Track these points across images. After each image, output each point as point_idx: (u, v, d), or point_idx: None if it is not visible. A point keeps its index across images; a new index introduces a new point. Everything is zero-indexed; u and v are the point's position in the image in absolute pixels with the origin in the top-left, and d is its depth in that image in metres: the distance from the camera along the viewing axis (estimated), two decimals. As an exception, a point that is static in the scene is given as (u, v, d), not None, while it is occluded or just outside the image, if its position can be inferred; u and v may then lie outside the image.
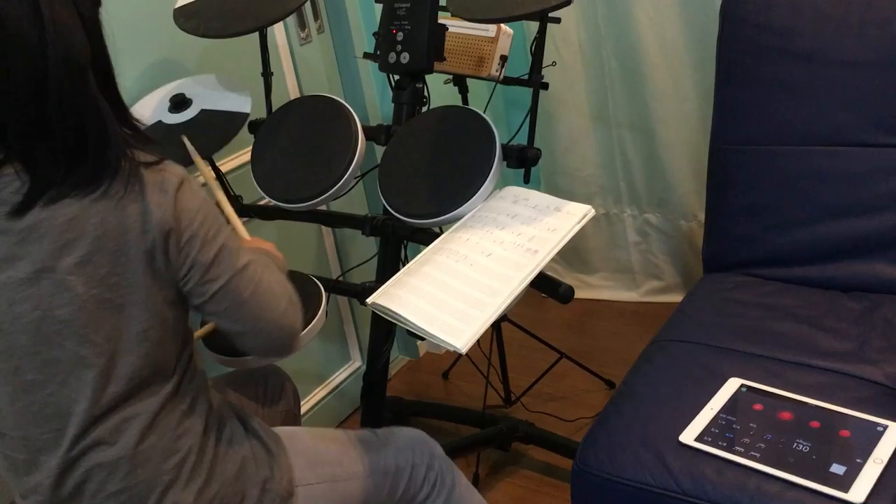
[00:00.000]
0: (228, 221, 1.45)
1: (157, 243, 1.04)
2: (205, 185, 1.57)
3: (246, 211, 1.71)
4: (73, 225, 1.00)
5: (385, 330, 1.76)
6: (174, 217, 1.05)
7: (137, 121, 1.11)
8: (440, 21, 1.60)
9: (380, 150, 1.61)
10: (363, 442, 1.36)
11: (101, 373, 1.05)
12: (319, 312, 1.50)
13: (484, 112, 1.47)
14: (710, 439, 1.26)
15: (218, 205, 1.49)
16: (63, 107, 0.98)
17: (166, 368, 1.11)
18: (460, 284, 1.22)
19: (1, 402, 1.08)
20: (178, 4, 1.65)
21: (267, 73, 1.70)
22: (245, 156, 1.80)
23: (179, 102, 1.63)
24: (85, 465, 1.08)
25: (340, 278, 2.16)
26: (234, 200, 1.70)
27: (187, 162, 1.58)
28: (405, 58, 1.59)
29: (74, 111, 0.99)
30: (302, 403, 2.21)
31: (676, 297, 2.47)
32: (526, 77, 1.49)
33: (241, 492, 1.15)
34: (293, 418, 1.55)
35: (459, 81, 1.91)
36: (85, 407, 1.05)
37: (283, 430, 1.31)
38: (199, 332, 1.42)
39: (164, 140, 1.59)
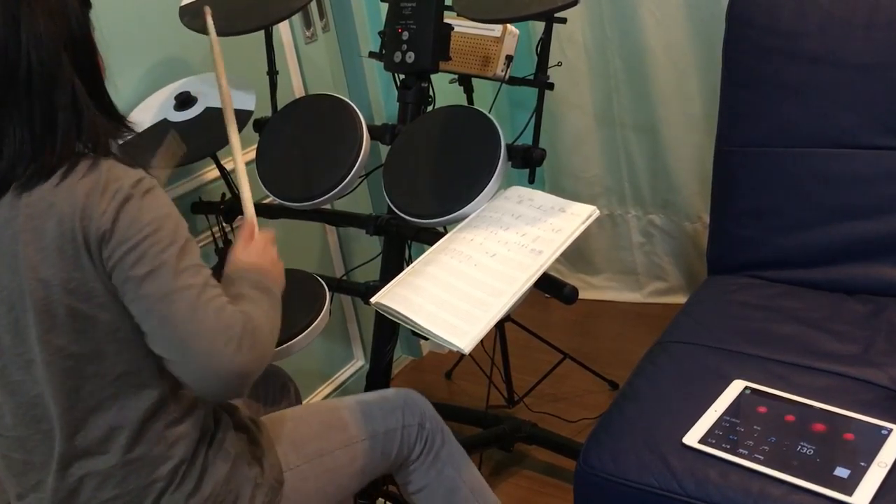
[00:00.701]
0: (244, 209, 1.34)
1: (94, 248, 0.99)
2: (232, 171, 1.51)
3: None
4: (34, 223, 0.99)
5: (388, 329, 1.76)
6: (115, 226, 0.99)
7: (124, 118, 1.10)
8: (446, 21, 1.60)
9: (384, 150, 1.61)
10: (348, 409, 1.35)
11: (73, 373, 1.03)
12: (323, 311, 1.50)
13: (489, 112, 1.47)
14: (713, 441, 1.26)
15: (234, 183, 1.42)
16: (33, 85, 0.98)
17: (146, 369, 1.07)
18: (464, 285, 1.22)
19: (0, 402, 1.08)
20: (184, 2, 1.65)
21: (272, 72, 1.70)
22: (250, 154, 1.79)
23: (185, 100, 1.63)
24: (77, 471, 1.07)
25: (344, 277, 2.16)
26: (238, 199, 1.70)
27: (203, 154, 1.57)
28: (410, 57, 1.59)
29: (45, 91, 0.99)
30: (305, 402, 2.22)
31: (680, 299, 2.47)
32: (531, 77, 1.49)
33: (234, 490, 1.15)
34: None
35: (465, 81, 1.91)
36: (65, 407, 1.04)
37: (266, 418, 1.30)
38: None
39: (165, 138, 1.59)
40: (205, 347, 1.00)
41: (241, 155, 1.36)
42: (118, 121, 1.10)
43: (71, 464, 1.07)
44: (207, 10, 1.47)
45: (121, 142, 1.09)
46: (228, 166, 1.78)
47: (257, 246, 1.23)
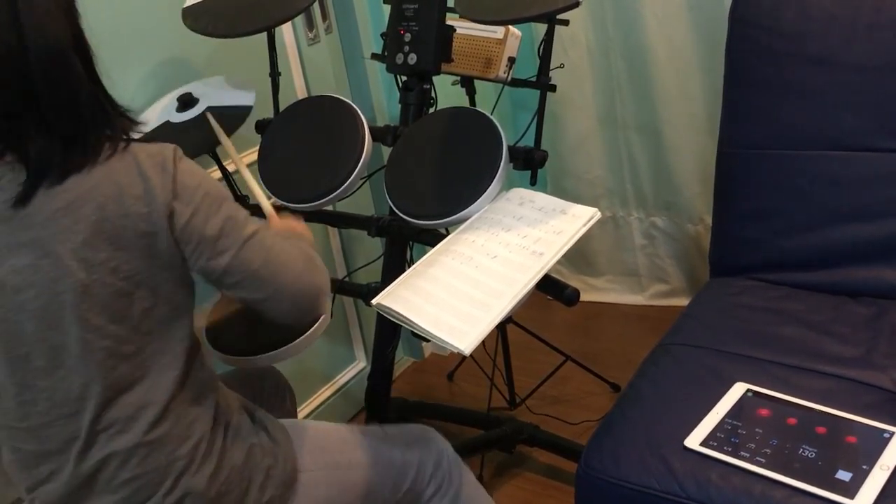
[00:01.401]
0: (258, 201, 1.46)
1: (161, 224, 1.04)
2: (235, 172, 1.58)
3: (252, 211, 1.70)
4: (71, 209, 1.01)
5: (390, 331, 1.76)
6: (175, 195, 1.05)
7: (122, 106, 1.12)
8: (448, 22, 1.60)
9: (386, 151, 1.61)
10: (367, 434, 1.37)
11: (108, 354, 1.06)
12: (325, 313, 1.50)
13: (491, 113, 1.47)
14: (715, 444, 1.26)
15: (236, 183, 1.50)
16: (53, 92, 0.99)
17: (174, 349, 1.11)
18: (465, 286, 1.22)
19: (6, 396, 1.08)
20: (187, 4, 1.65)
21: (275, 73, 1.70)
22: (252, 155, 1.79)
23: (186, 102, 1.63)
24: (100, 452, 1.08)
25: (346, 279, 2.16)
26: (241, 200, 1.71)
27: (204, 151, 1.58)
28: (413, 59, 1.59)
29: (66, 95, 1.00)
30: (306, 403, 2.22)
31: (682, 301, 2.47)
32: (534, 79, 1.49)
33: (247, 478, 1.17)
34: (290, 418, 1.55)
35: (467, 83, 1.90)
36: (97, 390, 1.06)
37: (287, 422, 1.32)
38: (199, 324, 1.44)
39: (173, 137, 1.59)
40: (291, 278, 1.14)
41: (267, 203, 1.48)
42: (122, 108, 1.12)
43: (93, 444, 1.08)
44: (209, 115, 1.57)
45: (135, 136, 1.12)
46: (231, 167, 1.79)
47: (283, 223, 1.38)
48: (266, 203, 1.46)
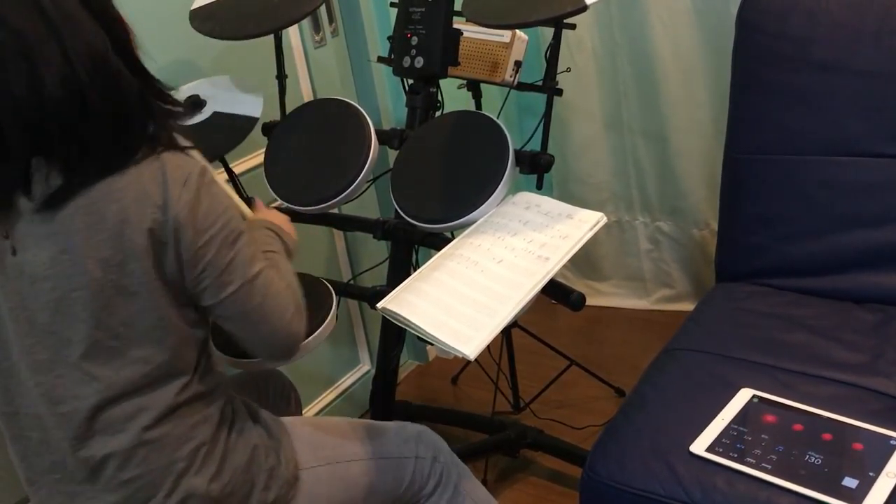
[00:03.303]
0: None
1: (170, 238, 1.05)
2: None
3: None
4: (96, 209, 1.01)
5: (395, 334, 1.76)
6: (193, 215, 1.05)
7: (169, 90, 1.14)
8: (455, 26, 1.60)
9: (392, 154, 1.61)
10: (365, 428, 1.37)
11: (115, 355, 1.06)
12: (329, 316, 1.50)
13: (497, 117, 1.47)
14: (721, 450, 1.25)
15: (242, 187, 1.51)
16: (102, 98, 1.00)
17: (183, 360, 1.12)
18: (470, 291, 1.22)
19: (23, 377, 1.09)
20: (194, 6, 1.65)
21: (281, 76, 1.70)
22: (258, 158, 1.80)
23: (194, 104, 1.63)
24: (100, 450, 1.08)
25: (351, 282, 2.16)
26: (247, 202, 1.71)
27: (214, 153, 1.59)
28: (419, 62, 1.59)
29: (114, 99, 1.01)
30: (310, 406, 2.22)
31: (688, 306, 2.46)
32: (540, 83, 1.49)
33: (250, 479, 1.17)
34: None
35: (473, 86, 1.91)
36: (98, 389, 1.07)
37: (286, 420, 1.32)
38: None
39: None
40: (280, 325, 1.15)
41: None
42: (168, 97, 1.13)
43: (91, 441, 1.08)
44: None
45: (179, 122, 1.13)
46: (237, 170, 1.79)
47: (265, 215, 1.39)
48: (236, 198, 1.41)
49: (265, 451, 1.21)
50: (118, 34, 1.05)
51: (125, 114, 1.03)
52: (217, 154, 1.63)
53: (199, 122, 1.62)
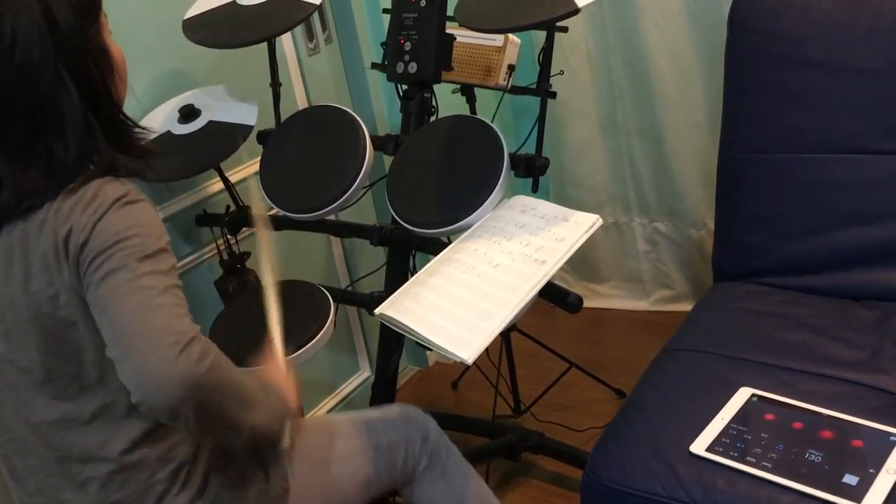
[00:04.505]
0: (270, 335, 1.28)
1: (67, 258, 0.99)
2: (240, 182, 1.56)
3: (255, 221, 1.71)
4: (28, 240, 1.00)
5: (394, 340, 1.76)
6: (92, 228, 0.98)
7: (135, 123, 1.11)
8: (448, 31, 1.60)
9: (388, 160, 1.61)
10: (351, 422, 1.36)
11: (73, 382, 1.05)
12: (328, 322, 1.50)
13: (492, 121, 1.47)
14: (721, 449, 1.25)
15: (238, 196, 1.48)
16: (32, 116, 0.98)
17: None
18: (468, 295, 1.22)
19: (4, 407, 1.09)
20: (187, 16, 1.65)
21: (275, 84, 1.71)
22: (254, 166, 1.80)
23: (188, 113, 1.64)
24: (79, 474, 1.08)
25: (349, 288, 2.16)
26: (242, 211, 1.71)
27: (204, 167, 1.59)
28: (413, 67, 1.59)
29: (49, 120, 0.99)
30: (311, 414, 2.21)
31: (686, 306, 2.46)
32: (534, 86, 1.49)
33: (238, 496, 1.15)
34: None
35: (467, 91, 1.91)
36: (65, 414, 1.06)
37: None
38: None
39: (173, 149, 1.59)
40: (145, 345, 0.91)
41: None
42: (129, 136, 1.10)
43: (68, 468, 1.08)
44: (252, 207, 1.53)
45: (143, 142, 1.11)
46: (233, 178, 1.79)
47: (269, 375, 1.20)
48: (278, 338, 1.27)
49: (252, 467, 1.19)
50: (100, 62, 1.04)
51: (64, 133, 1.00)
52: (212, 163, 1.63)
53: (194, 132, 1.62)
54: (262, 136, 1.71)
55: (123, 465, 1.08)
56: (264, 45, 1.64)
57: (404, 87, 1.66)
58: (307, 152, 1.60)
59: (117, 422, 1.07)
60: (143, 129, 1.13)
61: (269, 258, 1.37)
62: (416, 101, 1.62)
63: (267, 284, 1.32)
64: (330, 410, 2.26)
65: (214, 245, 1.79)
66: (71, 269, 0.99)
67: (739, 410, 1.33)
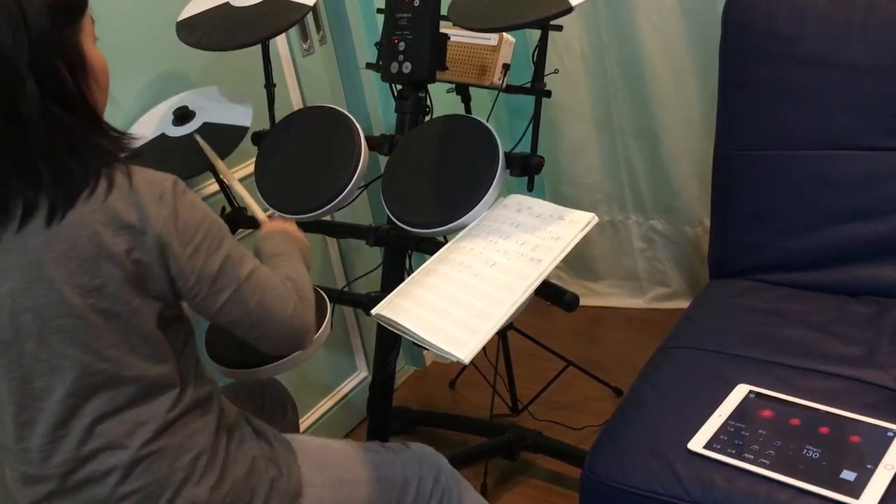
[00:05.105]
0: (247, 209, 1.50)
1: (153, 256, 1.04)
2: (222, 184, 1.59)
3: (250, 222, 1.71)
4: (66, 235, 1.00)
5: (390, 340, 1.76)
6: (175, 229, 1.04)
7: (117, 131, 1.10)
8: (442, 30, 1.60)
9: (383, 160, 1.61)
10: (369, 451, 1.36)
11: (107, 379, 1.06)
12: (325, 323, 1.50)
13: (487, 120, 1.47)
14: (719, 447, 1.26)
15: (234, 196, 1.55)
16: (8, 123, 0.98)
17: (173, 373, 1.12)
18: (464, 295, 1.22)
19: (5, 416, 1.09)
20: (181, 17, 1.65)
21: (270, 85, 1.70)
22: (249, 167, 1.79)
23: (183, 115, 1.63)
24: (100, 466, 1.08)
25: (346, 288, 2.16)
26: (238, 212, 1.70)
27: (200, 169, 1.58)
28: (407, 67, 1.59)
29: (16, 124, 0.98)
30: (308, 414, 2.21)
31: (683, 304, 2.46)
32: (529, 85, 1.49)
33: (251, 489, 1.16)
34: (293, 431, 1.55)
35: (462, 90, 1.91)
36: (96, 408, 1.06)
37: (293, 437, 1.32)
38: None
39: (168, 152, 1.59)
40: (283, 317, 1.15)
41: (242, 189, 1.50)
42: (115, 137, 1.10)
43: (91, 460, 1.08)
44: (199, 138, 1.57)
45: (123, 154, 1.10)
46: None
47: (274, 226, 1.40)
48: (260, 213, 1.48)
49: (265, 462, 1.20)
50: (73, 65, 1.03)
51: (28, 138, 1.00)
52: (207, 165, 1.62)
53: (188, 133, 1.62)
54: (257, 138, 1.71)
55: (144, 454, 1.09)
56: (258, 46, 1.64)
57: (399, 87, 1.66)
58: (302, 153, 1.60)
59: (140, 411, 1.09)
60: (127, 135, 1.12)
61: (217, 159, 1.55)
62: (411, 101, 1.62)
63: (220, 167, 1.53)
64: (328, 411, 2.26)
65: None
66: (142, 263, 1.04)
67: (737, 407, 1.33)
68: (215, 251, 1.09)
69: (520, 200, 1.40)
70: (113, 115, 1.14)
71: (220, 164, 1.56)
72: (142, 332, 1.07)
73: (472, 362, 1.15)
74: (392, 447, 1.41)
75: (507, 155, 1.43)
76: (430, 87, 1.65)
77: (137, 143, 1.15)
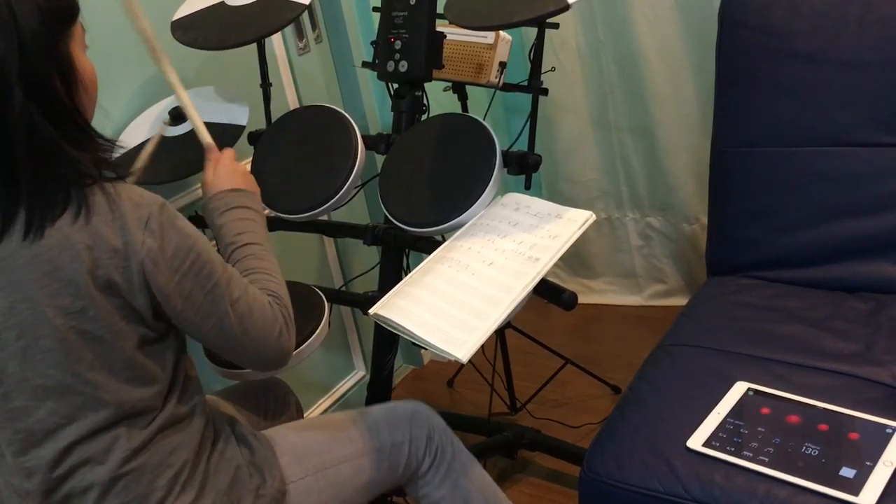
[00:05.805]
0: (200, 136, 1.42)
1: (137, 280, 1.02)
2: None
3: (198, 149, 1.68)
4: (49, 256, 0.98)
5: (388, 339, 1.75)
6: (162, 256, 1.02)
7: (105, 139, 1.08)
8: (438, 29, 1.60)
9: (380, 159, 1.61)
10: (353, 423, 1.35)
11: (87, 400, 1.04)
12: (322, 323, 1.50)
13: (484, 119, 1.47)
14: (717, 444, 1.25)
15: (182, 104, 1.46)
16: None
17: (155, 393, 1.10)
18: (462, 294, 1.21)
19: None
20: (176, 17, 1.65)
21: (266, 84, 1.70)
22: (245, 167, 1.79)
23: (178, 115, 1.63)
24: (77, 484, 1.07)
25: (343, 288, 2.15)
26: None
27: (198, 167, 1.57)
28: (403, 66, 1.59)
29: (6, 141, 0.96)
30: (307, 414, 2.21)
31: (680, 301, 2.46)
32: (525, 83, 1.49)
33: (236, 500, 1.15)
34: None
35: (459, 89, 1.90)
36: (75, 429, 1.05)
37: (270, 432, 1.30)
38: None
39: (164, 152, 1.59)
40: (267, 343, 1.15)
41: (182, 88, 1.43)
42: (99, 147, 1.07)
43: (70, 478, 1.07)
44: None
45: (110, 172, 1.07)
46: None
47: (224, 167, 1.35)
48: (207, 137, 1.42)
49: (248, 470, 1.19)
50: (64, 72, 1.01)
51: (11, 146, 0.97)
52: (202, 165, 1.62)
53: (184, 133, 1.61)
54: (254, 137, 1.70)
55: (123, 472, 1.07)
56: (254, 45, 1.63)
57: (395, 85, 1.65)
58: (299, 153, 1.59)
59: (119, 430, 1.07)
60: (116, 143, 1.11)
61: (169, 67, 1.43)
62: (408, 100, 1.62)
63: (172, 81, 1.43)
64: (325, 411, 2.26)
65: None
66: (125, 287, 1.02)
67: (735, 405, 1.33)
68: (204, 278, 1.07)
69: (517, 199, 1.39)
70: (110, 116, 1.14)
71: (183, 95, 1.46)
72: (123, 356, 1.05)
73: (470, 361, 1.15)
74: (380, 412, 1.39)
75: (504, 153, 1.43)
76: (427, 85, 1.65)
77: (127, 151, 1.13)
